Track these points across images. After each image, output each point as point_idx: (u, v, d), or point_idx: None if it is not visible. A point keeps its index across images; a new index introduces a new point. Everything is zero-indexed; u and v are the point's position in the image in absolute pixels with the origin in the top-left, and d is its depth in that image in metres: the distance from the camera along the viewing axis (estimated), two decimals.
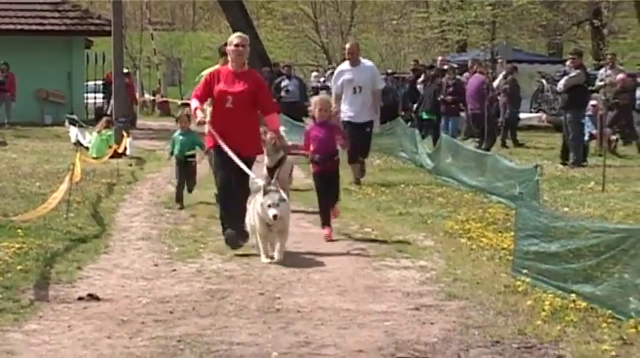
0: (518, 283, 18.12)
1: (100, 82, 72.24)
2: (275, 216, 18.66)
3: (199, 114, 20.54)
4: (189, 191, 29.43)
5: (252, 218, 20.19)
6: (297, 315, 16.18)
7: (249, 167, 19.88)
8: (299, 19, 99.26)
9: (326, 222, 21.91)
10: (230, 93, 19.53)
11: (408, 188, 32.57)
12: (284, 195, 20.44)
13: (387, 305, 17.36)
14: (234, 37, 20.02)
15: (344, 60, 29.24)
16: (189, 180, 29.30)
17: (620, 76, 49.20)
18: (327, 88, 55.47)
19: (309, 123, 23.91)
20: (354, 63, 27.96)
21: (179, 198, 29.34)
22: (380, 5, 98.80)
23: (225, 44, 20.34)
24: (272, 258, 20.51)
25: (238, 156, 19.38)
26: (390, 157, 42.64)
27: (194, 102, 20.82)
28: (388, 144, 40.99)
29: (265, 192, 19.16)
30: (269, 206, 18.80)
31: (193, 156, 29.46)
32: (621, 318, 15.13)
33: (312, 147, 21.38)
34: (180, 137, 28.96)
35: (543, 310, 16.28)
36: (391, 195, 31.91)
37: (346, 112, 28.52)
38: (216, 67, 20.52)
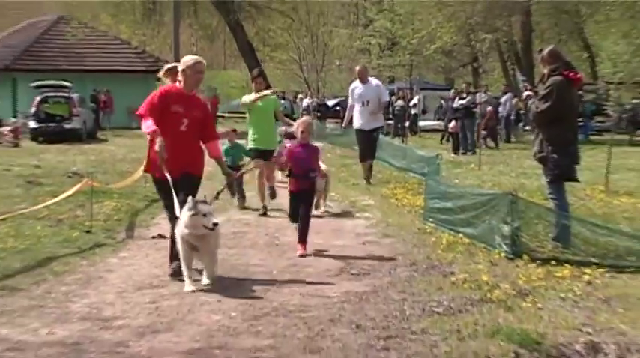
0: (427, 227, 19.29)
1: None
2: (216, 224, 13.28)
3: (160, 141, 14.48)
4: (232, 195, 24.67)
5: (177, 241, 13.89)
6: (289, 248, 17.63)
7: (198, 185, 15.57)
8: (290, 62, 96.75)
9: (303, 240, 17.26)
10: (187, 116, 15.16)
11: (358, 168, 31.56)
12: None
13: (344, 241, 18.49)
14: (199, 63, 15.33)
15: (355, 79, 27.05)
16: (239, 186, 24.96)
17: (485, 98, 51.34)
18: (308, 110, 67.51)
19: (288, 142, 20.82)
20: (364, 81, 26.07)
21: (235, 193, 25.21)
22: (341, 52, 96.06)
23: (175, 66, 15.98)
24: (197, 281, 14.15)
25: (190, 175, 15.09)
26: (347, 149, 41.50)
27: (149, 124, 14.63)
28: (347, 141, 41.15)
29: (195, 204, 13.54)
30: (204, 215, 13.17)
31: (242, 165, 24.83)
32: (490, 249, 16.32)
33: (291, 165, 17.56)
34: (230, 149, 25.27)
35: (442, 244, 17.39)
36: (348, 172, 32.43)
37: (357, 121, 26.30)
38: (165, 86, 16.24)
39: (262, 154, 19.60)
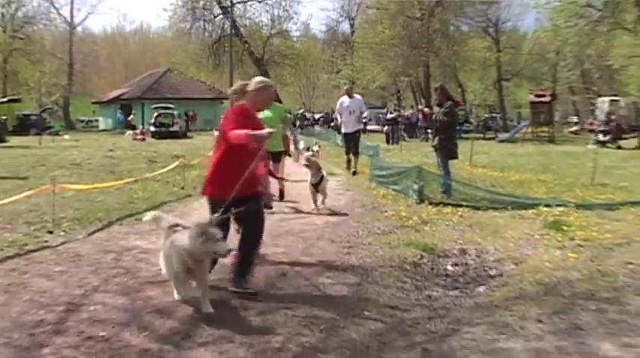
0: (372, 186, 18.75)
1: None
2: (230, 250, 7.95)
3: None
4: None
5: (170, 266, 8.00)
6: (295, 223, 14.93)
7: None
8: (294, 93, 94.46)
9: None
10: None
11: (330, 151, 31.18)
12: None
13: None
14: (269, 84, 9.26)
15: (344, 95, 23.57)
16: None
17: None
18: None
19: None
20: (350, 96, 22.96)
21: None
22: (323, 87, 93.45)
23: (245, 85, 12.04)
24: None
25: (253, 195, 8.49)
26: (324, 141, 39.84)
27: (239, 132, 8.02)
28: (325, 135, 40.49)
29: (206, 228, 7.59)
30: (216, 241, 7.55)
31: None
32: (407, 197, 16.04)
33: None
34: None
35: (380, 195, 17.05)
36: (329, 157, 28.80)
37: (345, 127, 22.89)
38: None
39: (273, 156, 14.61)
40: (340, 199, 16.76)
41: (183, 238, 7.41)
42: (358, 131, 23.01)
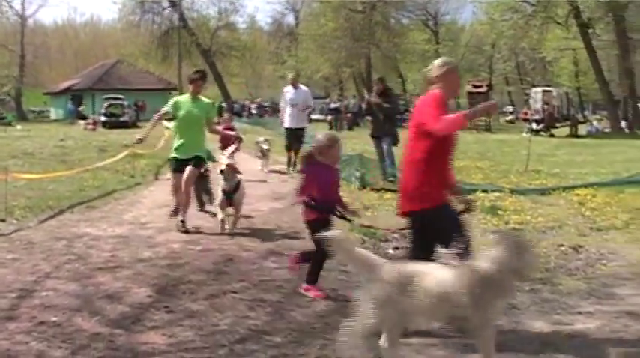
0: None
1: None
2: None
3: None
4: None
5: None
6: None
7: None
8: (240, 83, 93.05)
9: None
10: None
11: (278, 140, 30.91)
12: None
13: (272, 181, 17.97)
14: (451, 64, 6.69)
15: (288, 85, 20.45)
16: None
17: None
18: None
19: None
20: (295, 87, 20.01)
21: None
22: (269, 78, 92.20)
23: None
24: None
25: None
26: (269, 131, 40.09)
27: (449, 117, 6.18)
28: (271, 124, 40.27)
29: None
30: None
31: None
32: (350, 184, 15.75)
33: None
34: None
35: None
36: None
37: (287, 121, 19.90)
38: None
39: (184, 164, 11.26)
40: (285, 186, 16.61)
41: (483, 261, 5.36)
42: (302, 129, 20.07)
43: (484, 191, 14.63)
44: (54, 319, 6.66)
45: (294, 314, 6.99)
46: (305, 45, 73.93)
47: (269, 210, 13.35)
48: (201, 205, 12.82)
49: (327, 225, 7.30)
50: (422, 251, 6.50)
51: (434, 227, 6.45)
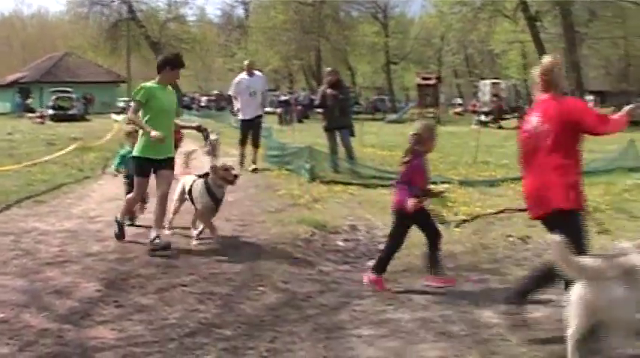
0: (266, 165, 18.33)
1: None
2: None
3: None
4: None
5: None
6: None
7: None
8: (191, 76, 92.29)
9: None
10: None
11: (226, 132, 30.58)
12: None
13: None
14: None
15: (242, 72, 18.22)
16: None
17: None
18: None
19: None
20: (251, 74, 17.83)
21: None
22: (219, 71, 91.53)
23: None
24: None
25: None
26: (219, 123, 39.70)
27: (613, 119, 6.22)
28: (220, 117, 39.83)
29: None
30: None
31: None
32: (299, 176, 15.90)
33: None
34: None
35: (274, 175, 16.84)
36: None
37: (244, 111, 17.69)
38: None
39: (155, 166, 9.51)
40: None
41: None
42: (259, 117, 18.15)
43: (433, 183, 14.50)
44: (1, 315, 6.58)
45: (243, 307, 6.98)
46: (255, 37, 74.04)
47: None
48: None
49: (426, 213, 7.81)
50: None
51: (575, 227, 6.27)
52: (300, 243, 9.71)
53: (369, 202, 12.83)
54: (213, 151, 15.53)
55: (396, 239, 7.69)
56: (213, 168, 9.71)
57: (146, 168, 9.49)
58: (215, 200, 9.60)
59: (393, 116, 56.89)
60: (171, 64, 9.69)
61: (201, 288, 7.54)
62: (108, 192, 14.39)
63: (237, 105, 18.26)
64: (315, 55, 70.63)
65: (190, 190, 9.87)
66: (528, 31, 53.02)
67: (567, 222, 6.19)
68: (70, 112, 54.55)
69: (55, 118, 52.21)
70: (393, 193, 7.92)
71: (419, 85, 54.97)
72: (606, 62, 70.62)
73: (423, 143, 7.67)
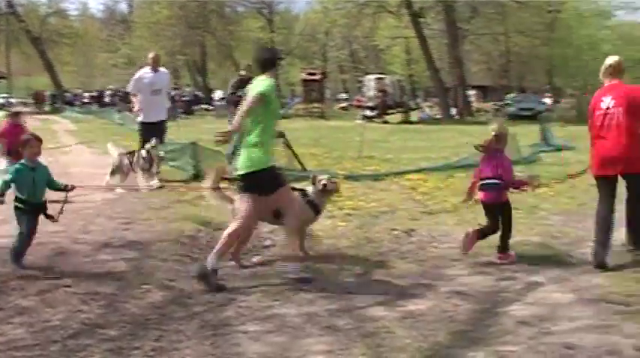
0: None
1: None
2: None
3: None
4: None
5: None
6: None
7: None
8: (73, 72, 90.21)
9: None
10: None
11: (110, 129, 29.86)
12: None
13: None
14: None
15: (145, 66, 15.67)
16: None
17: None
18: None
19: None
20: (155, 69, 15.46)
21: None
22: (103, 66, 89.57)
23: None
24: None
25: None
26: (101, 119, 38.61)
27: None
28: (102, 114, 39.03)
29: None
30: None
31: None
32: (185, 172, 15.74)
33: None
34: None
35: (161, 170, 15.87)
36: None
37: (146, 113, 15.27)
38: None
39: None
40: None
41: None
42: (164, 122, 15.88)
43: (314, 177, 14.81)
44: None
45: (128, 306, 6.89)
46: (139, 32, 73.13)
47: (102, 201, 12.87)
48: None
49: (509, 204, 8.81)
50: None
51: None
52: (185, 241, 9.62)
53: None
54: (149, 166, 14.36)
55: (509, 221, 8.68)
56: (314, 178, 8.96)
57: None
58: (317, 211, 8.75)
59: (280, 111, 56.93)
60: (280, 57, 8.71)
61: (85, 288, 7.39)
62: None
63: (137, 104, 15.75)
64: (200, 51, 70.33)
65: None
66: (412, 27, 53.84)
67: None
68: None
69: None
70: (484, 190, 8.65)
71: (304, 81, 55.23)
72: (488, 58, 72.66)
73: (502, 141, 8.77)
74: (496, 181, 8.53)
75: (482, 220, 8.76)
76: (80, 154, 21.30)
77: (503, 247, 8.62)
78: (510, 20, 60.63)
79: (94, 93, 74.31)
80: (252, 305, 6.92)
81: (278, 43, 77.52)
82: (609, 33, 53.62)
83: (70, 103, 62.37)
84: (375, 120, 44.04)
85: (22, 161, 8.38)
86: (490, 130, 8.75)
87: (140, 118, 15.67)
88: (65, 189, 8.46)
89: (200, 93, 67.49)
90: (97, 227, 10.59)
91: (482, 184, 8.67)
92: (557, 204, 12.27)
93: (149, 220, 11.01)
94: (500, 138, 8.69)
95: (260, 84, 7.85)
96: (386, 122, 43.10)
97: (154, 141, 14.48)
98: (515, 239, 8.89)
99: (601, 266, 8.06)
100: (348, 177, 15.04)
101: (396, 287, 7.57)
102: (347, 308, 6.86)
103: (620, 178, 8.36)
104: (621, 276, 7.81)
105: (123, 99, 53.02)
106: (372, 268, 8.34)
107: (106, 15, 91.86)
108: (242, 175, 7.69)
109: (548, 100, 55.27)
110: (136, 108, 15.83)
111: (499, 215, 8.62)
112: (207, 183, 8.66)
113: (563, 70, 55.57)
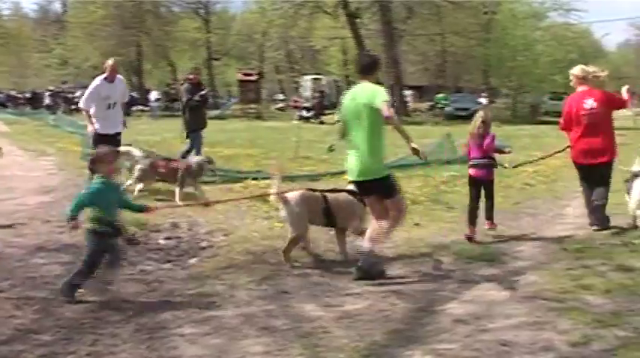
0: (85, 164, 17.17)
1: None
2: None
3: None
4: None
5: None
6: None
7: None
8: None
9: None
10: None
11: (42, 130, 29.54)
12: None
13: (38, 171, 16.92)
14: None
15: (101, 75, 13.85)
16: None
17: None
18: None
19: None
20: (111, 79, 13.72)
21: None
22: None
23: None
24: None
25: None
26: (35, 121, 37.84)
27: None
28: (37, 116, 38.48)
29: None
30: None
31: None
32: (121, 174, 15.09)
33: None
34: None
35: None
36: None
37: (102, 125, 13.44)
38: None
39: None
40: (53, 179, 15.90)
41: None
42: (119, 135, 14.19)
43: (254, 179, 14.87)
44: None
45: (62, 310, 6.82)
46: (73, 33, 72.05)
47: (36, 204, 12.67)
48: None
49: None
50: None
51: (608, 173, 10.09)
52: (120, 243, 9.51)
53: (191, 199, 12.63)
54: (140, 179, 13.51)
55: (492, 195, 10.36)
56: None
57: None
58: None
59: (215, 112, 56.76)
60: (380, 63, 8.62)
61: (18, 293, 7.32)
62: None
63: (90, 126, 13.72)
64: (136, 51, 69.73)
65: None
66: (348, 28, 54.11)
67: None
68: None
69: None
70: (477, 168, 10.13)
71: (240, 81, 55.27)
72: (424, 58, 73.33)
73: (488, 126, 10.21)
74: (485, 161, 10.10)
75: (417, 220, 8.89)
76: (13, 156, 20.89)
77: (489, 216, 10.31)
78: (446, 21, 61.45)
79: (28, 95, 73.31)
80: (189, 308, 6.90)
81: (215, 43, 77.33)
82: (543, 34, 54.35)
83: (3, 104, 61.25)
84: (312, 120, 44.16)
85: None
86: (477, 117, 10.27)
87: (96, 126, 13.61)
88: None
89: (136, 94, 66.97)
90: (30, 231, 10.42)
91: (473, 163, 10.20)
92: None
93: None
94: (486, 123, 10.20)
95: (374, 92, 7.79)
96: (322, 122, 43.14)
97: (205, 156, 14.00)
98: (450, 238, 9.02)
99: (605, 227, 9.95)
100: (285, 178, 14.96)
101: (333, 288, 7.63)
102: (284, 308, 6.90)
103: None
104: (555, 274, 7.99)
105: (66, 101, 51.90)
106: (309, 268, 8.40)
107: (40, 15, 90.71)
108: (363, 181, 8.19)
109: (484, 100, 55.80)
110: (90, 129, 13.77)
111: (485, 190, 10.20)
112: (273, 188, 8.93)
113: (499, 70, 56.21)
